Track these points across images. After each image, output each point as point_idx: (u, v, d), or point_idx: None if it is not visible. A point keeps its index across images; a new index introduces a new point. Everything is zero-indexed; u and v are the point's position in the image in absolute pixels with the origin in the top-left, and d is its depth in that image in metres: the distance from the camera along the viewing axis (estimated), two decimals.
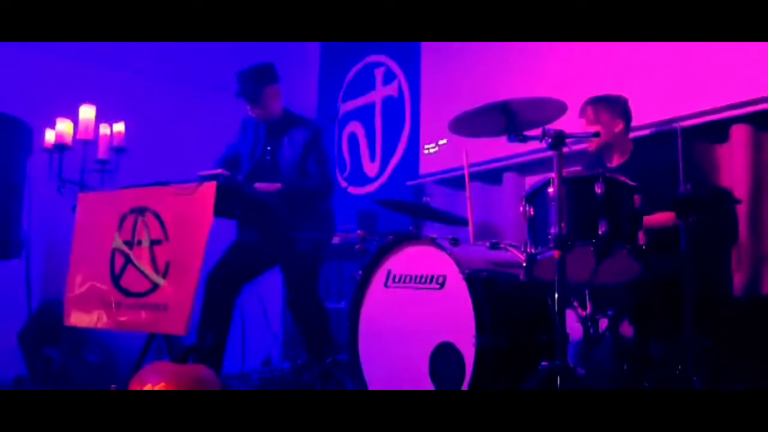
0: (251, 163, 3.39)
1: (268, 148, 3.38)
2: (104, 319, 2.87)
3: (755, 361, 2.54)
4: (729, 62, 2.94)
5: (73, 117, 3.68)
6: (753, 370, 2.52)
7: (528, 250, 2.31)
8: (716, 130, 3.02)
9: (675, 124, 2.71)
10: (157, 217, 2.82)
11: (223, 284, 3.22)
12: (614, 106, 2.91)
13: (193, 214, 2.73)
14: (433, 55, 4.66)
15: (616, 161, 2.94)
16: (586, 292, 2.47)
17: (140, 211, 2.87)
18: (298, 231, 3.22)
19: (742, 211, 2.89)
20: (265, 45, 3.89)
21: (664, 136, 3.04)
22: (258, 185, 3.19)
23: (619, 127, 2.90)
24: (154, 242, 2.81)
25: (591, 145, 2.92)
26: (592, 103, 2.93)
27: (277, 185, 3.21)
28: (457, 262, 2.42)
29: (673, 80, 3.15)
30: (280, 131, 3.37)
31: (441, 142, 4.43)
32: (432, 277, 2.55)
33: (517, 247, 2.70)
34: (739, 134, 2.93)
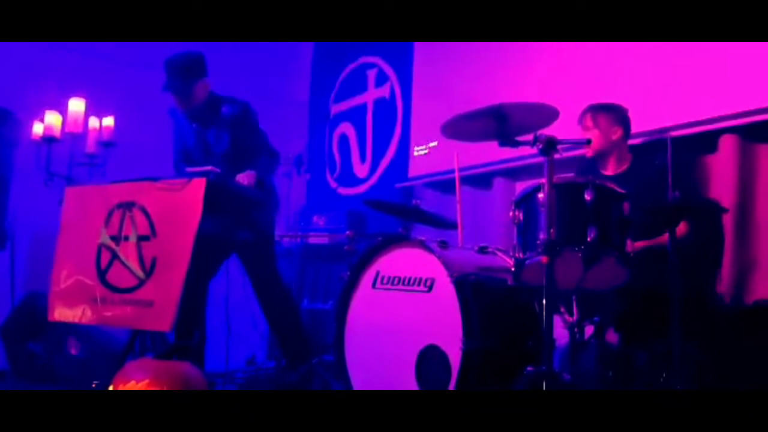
0: (194, 156, 3.34)
1: (200, 137, 3.32)
2: (89, 314, 2.85)
3: (739, 370, 2.56)
4: (719, 74, 2.96)
5: (63, 110, 3.65)
6: (737, 379, 2.53)
7: (516, 254, 2.32)
8: (706, 141, 3.04)
9: (665, 134, 2.74)
10: (145, 212, 2.80)
11: (195, 281, 3.17)
12: (613, 113, 2.92)
13: (181, 210, 2.71)
14: (426, 57, 4.66)
15: (612, 170, 2.94)
16: (573, 298, 2.48)
17: (128, 206, 2.85)
18: (245, 217, 3.19)
19: (728, 220, 2.91)
20: (257, 42, 3.88)
21: (654, 145, 3.06)
22: (239, 177, 3.14)
23: (618, 134, 2.90)
24: (141, 238, 2.79)
25: (588, 152, 2.93)
26: (592, 110, 2.93)
27: (252, 173, 3.14)
28: (446, 265, 2.42)
29: (664, 90, 3.16)
30: (206, 116, 3.31)
31: (431, 144, 4.43)
32: (420, 280, 2.55)
33: (505, 252, 2.70)
34: (728, 145, 2.95)
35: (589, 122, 2.91)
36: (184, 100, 3.23)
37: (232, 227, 3.18)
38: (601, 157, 2.95)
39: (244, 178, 3.12)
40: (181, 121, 3.38)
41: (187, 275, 3.10)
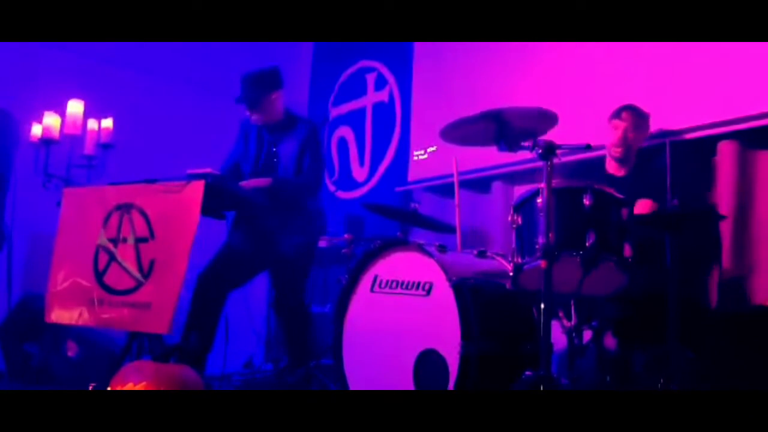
0: (257, 164, 3.36)
1: (273, 149, 3.35)
2: (86, 316, 2.84)
3: (736, 376, 2.56)
4: (719, 80, 2.97)
5: (61, 111, 3.64)
6: (733, 384, 2.53)
7: (515, 259, 2.32)
8: (705, 146, 3.05)
9: (664, 139, 2.74)
10: (143, 214, 2.79)
11: (213, 287, 3.18)
12: (647, 121, 2.98)
13: (180, 212, 2.70)
14: (425, 61, 4.66)
15: (625, 171, 2.98)
16: (572, 303, 2.48)
17: (126, 208, 2.85)
18: (285, 234, 3.19)
19: (727, 226, 2.91)
20: (256, 44, 3.88)
21: (653, 149, 3.06)
22: (245, 182, 3.16)
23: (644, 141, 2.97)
24: (139, 240, 2.78)
25: (617, 151, 2.95)
26: (635, 111, 2.95)
27: (267, 180, 3.18)
28: (445, 270, 2.42)
29: (664, 95, 3.17)
30: (281, 132, 3.34)
31: (430, 149, 4.43)
32: (419, 284, 2.54)
33: (504, 256, 2.70)
34: (727, 151, 2.96)
35: (632, 121, 2.93)
36: (258, 110, 3.24)
37: (269, 244, 3.20)
38: (624, 158, 2.96)
39: (249, 183, 3.13)
40: (252, 134, 3.40)
41: (207, 280, 3.13)
